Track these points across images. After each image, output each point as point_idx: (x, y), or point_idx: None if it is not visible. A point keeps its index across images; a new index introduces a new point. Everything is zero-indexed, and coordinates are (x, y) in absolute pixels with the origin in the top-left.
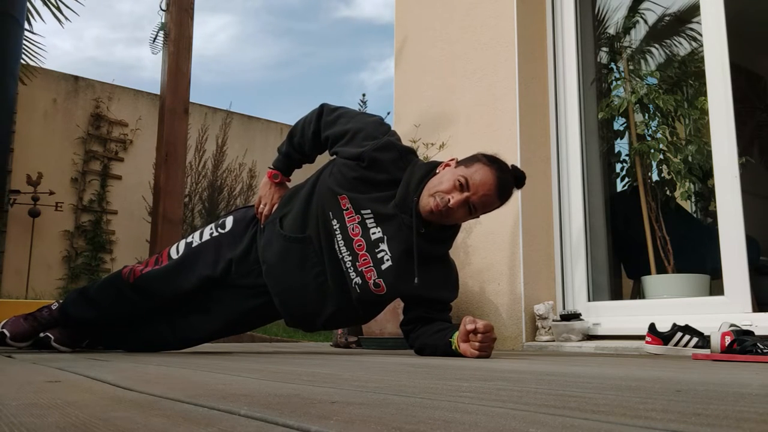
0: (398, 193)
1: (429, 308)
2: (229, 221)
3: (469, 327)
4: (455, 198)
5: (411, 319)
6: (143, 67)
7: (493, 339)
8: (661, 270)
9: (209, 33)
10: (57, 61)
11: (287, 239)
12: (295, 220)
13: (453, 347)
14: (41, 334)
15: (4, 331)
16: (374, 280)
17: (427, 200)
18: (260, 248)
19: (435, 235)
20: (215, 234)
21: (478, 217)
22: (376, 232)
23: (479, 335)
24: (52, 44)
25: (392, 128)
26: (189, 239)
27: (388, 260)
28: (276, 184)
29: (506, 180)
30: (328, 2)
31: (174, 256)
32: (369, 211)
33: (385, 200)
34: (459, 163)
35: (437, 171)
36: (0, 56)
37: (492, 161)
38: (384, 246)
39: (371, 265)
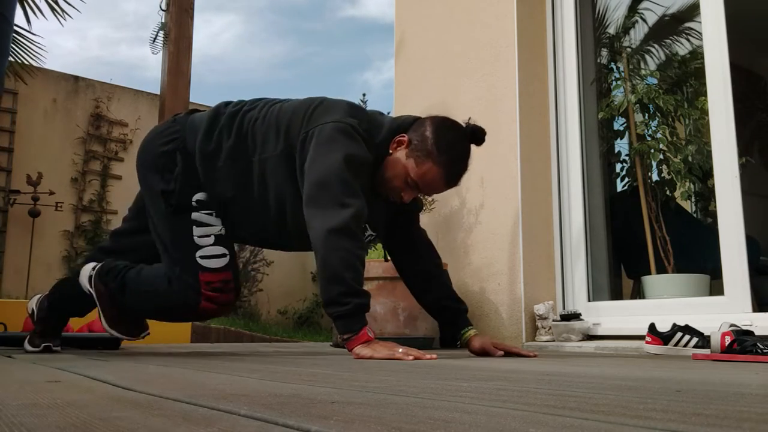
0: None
1: (406, 220)
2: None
3: (498, 355)
4: (408, 194)
5: (398, 244)
6: (147, 66)
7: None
8: (661, 270)
9: (214, 32)
10: (60, 61)
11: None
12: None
13: (462, 338)
14: (44, 344)
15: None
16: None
17: (382, 188)
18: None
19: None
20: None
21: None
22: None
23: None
24: (56, 44)
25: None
26: None
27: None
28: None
29: (457, 172)
30: (333, 1)
31: None
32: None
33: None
34: (410, 148)
35: (390, 151)
36: None
37: (441, 152)
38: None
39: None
